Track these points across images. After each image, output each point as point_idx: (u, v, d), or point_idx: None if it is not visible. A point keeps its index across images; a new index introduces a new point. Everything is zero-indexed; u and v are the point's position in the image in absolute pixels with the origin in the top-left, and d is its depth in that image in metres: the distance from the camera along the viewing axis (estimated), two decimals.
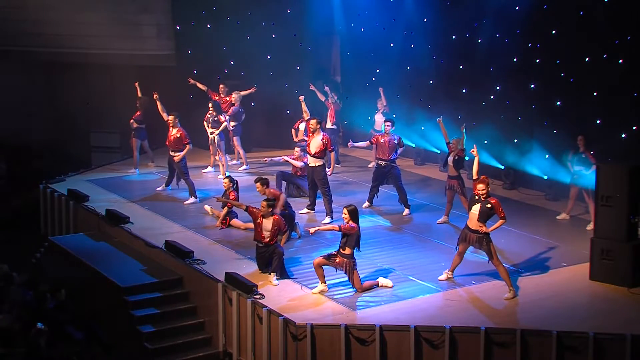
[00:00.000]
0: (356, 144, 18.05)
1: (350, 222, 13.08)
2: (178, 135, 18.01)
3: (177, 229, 16.20)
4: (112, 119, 23.39)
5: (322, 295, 13.11)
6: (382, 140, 17.10)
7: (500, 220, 13.17)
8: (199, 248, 14.90)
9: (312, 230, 13.55)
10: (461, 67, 20.01)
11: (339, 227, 13.08)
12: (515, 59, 18.76)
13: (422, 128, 20.47)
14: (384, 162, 17.12)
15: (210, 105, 19.91)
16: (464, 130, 15.63)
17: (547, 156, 17.85)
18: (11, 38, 23.31)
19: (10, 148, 23.34)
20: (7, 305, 12.32)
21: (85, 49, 22.82)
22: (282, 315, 12.39)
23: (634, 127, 16.82)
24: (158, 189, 18.62)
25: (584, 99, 17.34)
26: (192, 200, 17.85)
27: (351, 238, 13.06)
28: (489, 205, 13.08)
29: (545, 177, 18.04)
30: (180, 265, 14.50)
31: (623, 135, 16.88)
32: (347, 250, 13.09)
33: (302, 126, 19.55)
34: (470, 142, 19.31)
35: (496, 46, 18.99)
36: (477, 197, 13.20)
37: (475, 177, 13.53)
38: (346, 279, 13.54)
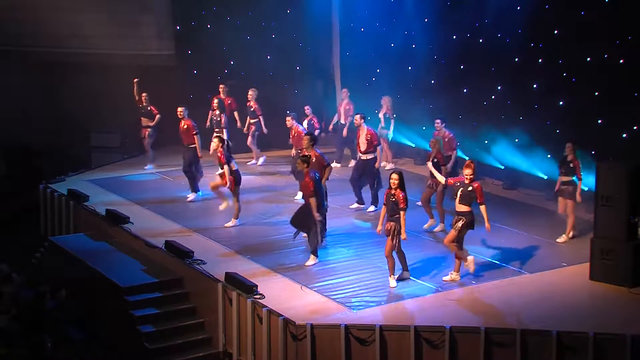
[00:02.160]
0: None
1: (398, 189, 13.19)
2: (185, 127, 18.03)
3: (177, 229, 16.19)
4: (112, 119, 23.39)
5: (322, 295, 13.10)
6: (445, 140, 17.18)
7: (482, 207, 13.38)
8: (199, 248, 14.88)
9: (403, 236, 13.32)
10: (462, 67, 19.98)
11: (404, 207, 13.22)
12: (516, 59, 18.74)
13: (423, 128, 20.44)
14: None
15: (215, 102, 19.93)
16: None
17: (548, 156, 17.82)
18: (11, 38, 23.30)
19: (10, 148, 23.33)
20: (7, 305, 12.33)
21: (85, 49, 22.82)
22: (282, 315, 12.37)
23: (635, 127, 16.79)
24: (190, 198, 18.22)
25: (586, 98, 17.31)
26: (193, 196, 17.83)
27: (398, 208, 13.21)
28: (470, 188, 13.35)
29: (546, 177, 18.02)
30: (180, 265, 14.49)
31: (624, 135, 16.86)
32: (398, 215, 13.23)
33: (304, 124, 19.59)
34: (472, 144, 19.37)
35: (497, 46, 18.96)
36: (460, 183, 13.51)
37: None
38: (346, 279, 13.57)
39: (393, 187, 13.30)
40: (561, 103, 17.92)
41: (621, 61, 16.83)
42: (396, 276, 13.47)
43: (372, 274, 13.90)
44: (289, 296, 13.12)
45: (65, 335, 12.94)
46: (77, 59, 23.07)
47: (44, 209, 18.82)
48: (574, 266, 14.24)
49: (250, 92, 20.57)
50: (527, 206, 17.74)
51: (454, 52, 20.09)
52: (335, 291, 13.23)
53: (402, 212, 13.20)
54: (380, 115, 20.52)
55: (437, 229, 15.92)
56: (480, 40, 19.40)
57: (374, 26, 21.86)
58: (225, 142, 16.71)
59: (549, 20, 18.00)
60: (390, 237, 13.33)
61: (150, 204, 17.74)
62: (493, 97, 19.28)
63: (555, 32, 17.96)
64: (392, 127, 20.43)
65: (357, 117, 17.44)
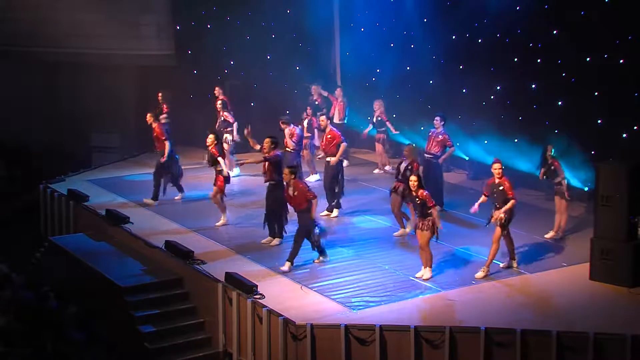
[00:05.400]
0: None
1: (420, 190, 13.42)
2: (155, 134, 17.81)
3: (177, 229, 16.19)
4: (112, 119, 23.39)
5: (322, 295, 13.11)
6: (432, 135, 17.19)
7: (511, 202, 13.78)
8: (199, 248, 14.88)
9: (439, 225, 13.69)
10: (461, 67, 19.96)
11: (434, 204, 13.51)
12: (515, 59, 18.74)
13: (422, 128, 20.44)
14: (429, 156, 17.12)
15: (218, 104, 19.94)
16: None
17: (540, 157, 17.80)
18: (11, 38, 23.31)
19: (10, 148, 23.33)
20: (6, 305, 12.31)
21: (85, 49, 22.82)
22: (282, 315, 12.38)
23: (635, 127, 16.81)
24: (176, 198, 18.25)
25: (585, 98, 17.32)
26: (150, 201, 17.71)
27: (427, 206, 13.41)
28: (501, 187, 13.76)
29: (546, 177, 18.00)
30: (180, 265, 14.49)
31: (624, 135, 16.87)
32: (430, 210, 13.46)
33: (305, 123, 19.59)
34: (472, 145, 19.38)
35: (497, 46, 18.97)
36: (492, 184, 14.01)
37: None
38: (346, 279, 13.58)
39: (413, 189, 13.48)
40: (560, 103, 17.92)
41: (621, 61, 16.83)
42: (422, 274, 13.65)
43: (372, 274, 13.91)
44: (289, 296, 13.12)
45: (65, 336, 12.92)
46: (77, 59, 23.07)
47: (44, 209, 18.81)
48: (574, 266, 14.25)
49: (313, 87, 20.93)
50: (526, 206, 17.67)
51: (454, 52, 20.08)
52: (335, 291, 13.23)
53: (433, 210, 13.45)
54: (375, 119, 20.39)
55: (397, 233, 15.79)
56: (480, 40, 19.40)
57: (374, 26, 21.86)
58: (220, 139, 16.70)
59: (549, 20, 18.01)
60: (425, 230, 13.50)
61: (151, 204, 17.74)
62: (492, 97, 19.28)
63: (555, 32, 17.96)
64: (390, 127, 20.26)
65: (323, 117, 17.32)
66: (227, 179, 16.26)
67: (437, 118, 17.24)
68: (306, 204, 14.08)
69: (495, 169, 13.91)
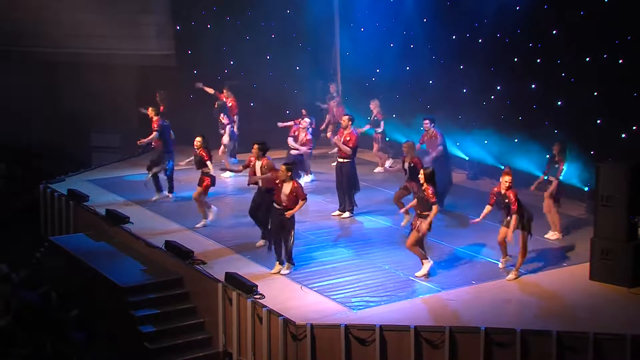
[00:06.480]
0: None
1: (425, 184, 13.45)
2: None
3: (177, 229, 16.19)
4: (112, 119, 23.39)
5: (322, 295, 13.11)
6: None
7: (513, 216, 13.68)
8: (199, 248, 14.89)
9: (425, 225, 13.57)
10: (461, 67, 19.97)
11: (435, 201, 13.49)
12: (515, 59, 18.75)
13: (422, 128, 20.44)
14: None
15: (215, 105, 19.93)
16: None
17: (547, 156, 17.81)
18: (11, 38, 23.32)
19: (10, 148, 23.33)
20: (6, 305, 12.32)
21: (85, 49, 22.84)
22: (282, 315, 12.38)
23: (634, 127, 16.81)
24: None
25: (585, 98, 17.33)
26: (157, 196, 17.85)
27: (429, 203, 13.44)
28: (506, 200, 13.69)
29: (546, 178, 18.00)
30: (180, 265, 14.49)
31: (623, 135, 16.88)
32: (426, 213, 13.47)
33: (303, 123, 19.60)
34: (472, 143, 19.40)
35: (497, 46, 18.98)
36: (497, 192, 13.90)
37: None
38: (346, 279, 13.59)
39: (421, 181, 13.55)
40: (560, 103, 17.94)
41: (621, 61, 16.84)
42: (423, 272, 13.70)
43: (372, 274, 13.91)
44: (289, 296, 13.13)
45: (65, 336, 12.92)
46: (77, 59, 23.09)
47: (44, 209, 18.81)
48: (574, 266, 14.27)
49: (332, 86, 21.66)
50: (527, 206, 17.70)
51: (453, 52, 20.10)
52: (335, 291, 13.24)
53: (434, 207, 13.42)
54: (373, 119, 20.40)
55: (404, 222, 15.58)
56: (480, 40, 19.41)
57: (373, 26, 21.88)
58: (207, 142, 16.64)
59: (548, 20, 18.01)
60: (415, 230, 13.57)
61: (151, 204, 17.74)
62: (492, 97, 19.29)
63: (555, 32, 17.97)
64: (382, 128, 20.27)
65: (346, 118, 17.14)
66: (212, 181, 16.25)
67: (427, 121, 17.23)
68: (294, 203, 13.95)
69: (506, 181, 13.72)
